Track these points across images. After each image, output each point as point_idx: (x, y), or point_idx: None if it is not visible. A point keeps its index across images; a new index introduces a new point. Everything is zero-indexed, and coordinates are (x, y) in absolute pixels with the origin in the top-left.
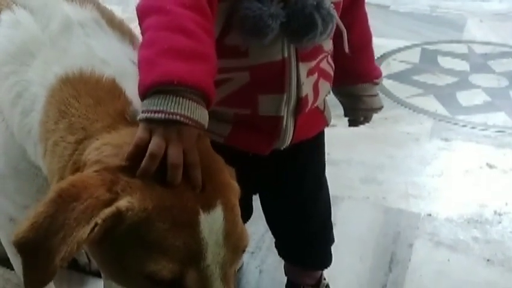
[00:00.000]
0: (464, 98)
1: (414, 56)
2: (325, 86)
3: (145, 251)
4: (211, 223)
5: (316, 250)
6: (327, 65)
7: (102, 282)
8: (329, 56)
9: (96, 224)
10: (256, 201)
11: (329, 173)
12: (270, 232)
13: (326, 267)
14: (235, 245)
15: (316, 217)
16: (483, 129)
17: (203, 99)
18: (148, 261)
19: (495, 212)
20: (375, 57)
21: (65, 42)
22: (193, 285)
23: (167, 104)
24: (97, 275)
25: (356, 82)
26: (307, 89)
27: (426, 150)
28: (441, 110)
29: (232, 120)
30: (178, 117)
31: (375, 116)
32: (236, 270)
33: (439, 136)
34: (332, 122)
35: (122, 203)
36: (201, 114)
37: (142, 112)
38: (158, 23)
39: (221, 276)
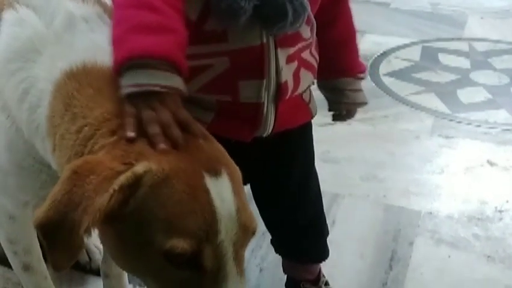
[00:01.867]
0: (465, 95)
1: (415, 53)
2: (307, 76)
3: (165, 218)
4: (221, 192)
5: (311, 242)
6: (310, 56)
7: (102, 282)
8: (313, 48)
9: (114, 191)
10: None
11: (330, 170)
12: None
13: (322, 260)
14: (245, 224)
15: (308, 208)
16: (484, 127)
17: (175, 69)
18: (168, 233)
19: (496, 209)
20: (377, 55)
21: (70, 38)
22: (209, 263)
23: (141, 77)
24: (97, 273)
25: (339, 76)
26: (286, 76)
27: (427, 148)
28: (442, 107)
29: (215, 108)
30: (154, 87)
31: (375, 114)
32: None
33: (440, 133)
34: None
35: (139, 167)
36: (176, 81)
37: (122, 89)
38: (125, 1)
39: (234, 256)
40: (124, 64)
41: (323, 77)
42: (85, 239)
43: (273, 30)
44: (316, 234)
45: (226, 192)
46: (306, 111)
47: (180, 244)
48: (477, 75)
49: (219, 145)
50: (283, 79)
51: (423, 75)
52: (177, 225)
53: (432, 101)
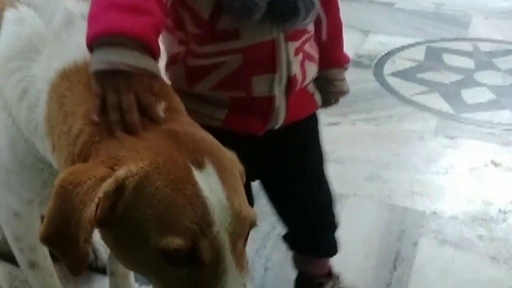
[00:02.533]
0: (469, 95)
1: (419, 53)
2: (311, 67)
3: (155, 217)
4: (208, 181)
5: (322, 235)
6: (310, 48)
7: (108, 280)
8: (312, 40)
9: (99, 199)
10: (263, 198)
11: (334, 170)
12: (275, 230)
13: (334, 255)
14: (240, 211)
15: (319, 201)
16: (488, 127)
17: (147, 50)
18: (160, 230)
19: (500, 210)
20: (381, 55)
21: (67, 37)
22: (206, 257)
23: (111, 55)
24: (103, 272)
25: (329, 67)
26: (295, 68)
27: (431, 148)
28: (446, 107)
29: (228, 104)
30: (122, 66)
31: (379, 114)
32: (245, 244)
33: (444, 134)
34: (337, 119)
35: (120, 172)
36: (146, 62)
37: (91, 66)
38: None
39: (232, 247)
40: (96, 40)
41: None
42: (88, 245)
43: (284, 26)
44: (327, 227)
45: (213, 181)
46: (311, 102)
47: (174, 240)
48: (481, 76)
49: (204, 132)
50: (293, 72)
51: (428, 76)
52: (168, 222)
53: (436, 101)
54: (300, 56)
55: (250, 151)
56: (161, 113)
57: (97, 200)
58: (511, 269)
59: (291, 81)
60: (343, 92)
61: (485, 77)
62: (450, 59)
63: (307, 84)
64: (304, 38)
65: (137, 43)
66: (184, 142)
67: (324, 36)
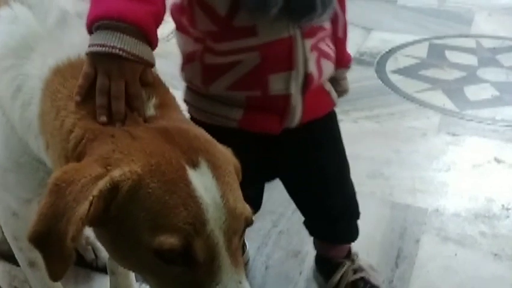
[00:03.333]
0: (472, 92)
1: (422, 50)
2: (327, 64)
3: (148, 219)
4: (202, 180)
5: (344, 226)
6: (326, 46)
7: (108, 279)
8: (328, 38)
9: (93, 197)
10: (264, 195)
11: None
12: (276, 228)
13: (353, 241)
14: (234, 209)
15: (341, 196)
16: (491, 124)
17: (144, 38)
18: (153, 231)
19: (503, 207)
20: (383, 52)
21: (61, 34)
22: (201, 256)
23: (109, 38)
24: (104, 271)
25: (337, 67)
26: (312, 65)
27: (434, 145)
28: (449, 104)
29: (244, 104)
30: (117, 51)
31: (382, 111)
32: (241, 242)
33: (447, 131)
34: (338, 117)
35: (115, 172)
36: (142, 50)
37: (88, 47)
38: None
39: (227, 245)
40: (96, 22)
41: None
42: (83, 241)
43: (300, 22)
44: (349, 218)
45: (208, 180)
46: (328, 100)
47: (167, 240)
48: (484, 72)
49: (197, 128)
50: (309, 69)
51: (430, 73)
52: (161, 223)
53: (439, 98)
54: (316, 53)
55: (267, 150)
56: (152, 110)
57: (91, 198)
58: None
59: (307, 78)
60: (345, 91)
61: (488, 73)
62: (453, 56)
63: (324, 83)
64: (319, 35)
65: (136, 29)
66: (178, 141)
67: (340, 33)
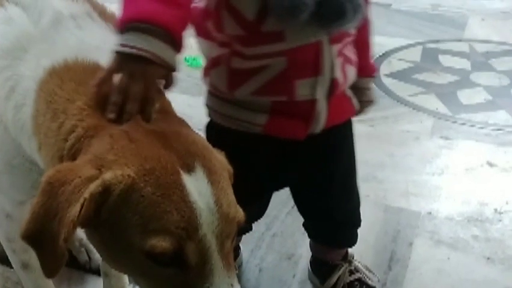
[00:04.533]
0: (465, 96)
1: (415, 54)
2: (351, 70)
3: (140, 223)
4: (197, 185)
5: (344, 233)
6: (350, 52)
7: (102, 281)
8: (351, 44)
9: (85, 200)
10: None
11: None
12: (270, 231)
13: (352, 246)
14: (227, 214)
15: (346, 204)
16: (484, 128)
17: (171, 42)
18: (145, 234)
19: (495, 211)
20: (377, 56)
21: (55, 35)
22: (193, 259)
23: (137, 40)
24: (97, 273)
25: (361, 75)
26: (338, 71)
27: (427, 149)
28: (442, 108)
29: (269, 109)
30: (144, 53)
31: (375, 115)
32: (233, 245)
33: (440, 134)
34: None
35: (108, 175)
36: (168, 54)
37: (117, 46)
38: None
39: (219, 248)
40: (126, 23)
41: None
42: (76, 243)
43: (330, 28)
44: (352, 226)
45: (202, 185)
46: (350, 105)
47: (160, 243)
48: (477, 77)
49: (195, 134)
50: (335, 74)
51: (424, 76)
52: (153, 227)
53: (432, 102)
54: (341, 58)
55: (285, 156)
56: (154, 114)
57: (82, 200)
58: (506, 269)
59: (333, 84)
60: (371, 101)
61: (482, 77)
62: (446, 60)
63: (346, 89)
64: (345, 40)
65: (165, 33)
66: (175, 146)
67: (368, 39)
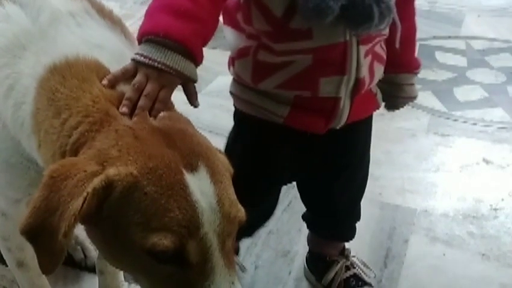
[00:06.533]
0: (462, 93)
1: None
2: (379, 68)
3: (142, 221)
4: (200, 184)
5: (345, 226)
6: (380, 49)
7: (97, 278)
8: (382, 41)
9: (88, 194)
10: None
11: None
12: (266, 228)
13: (350, 240)
14: (229, 213)
15: (352, 198)
16: (480, 125)
17: (188, 55)
18: (147, 232)
19: (491, 207)
20: None
21: (54, 33)
22: (194, 257)
23: (153, 52)
24: (93, 271)
25: (399, 71)
26: (364, 71)
27: (423, 146)
28: (438, 105)
29: (291, 102)
30: (160, 65)
31: None
32: (234, 242)
33: (436, 131)
34: None
35: (112, 170)
36: (185, 66)
37: (135, 54)
38: None
39: (220, 247)
40: (144, 36)
41: (384, 71)
42: (72, 241)
43: (357, 30)
44: (351, 218)
45: (205, 184)
46: (374, 102)
47: (161, 241)
48: (474, 74)
49: (199, 134)
50: (361, 74)
51: (420, 73)
52: (155, 225)
53: (428, 99)
54: (370, 57)
55: (304, 148)
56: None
57: (85, 194)
58: (501, 266)
59: (359, 83)
60: (411, 97)
61: (478, 74)
62: (443, 57)
63: (372, 86)
64: (376, 40)
65: (180, 47)
66: (180, 145)
67: (397, 44)
